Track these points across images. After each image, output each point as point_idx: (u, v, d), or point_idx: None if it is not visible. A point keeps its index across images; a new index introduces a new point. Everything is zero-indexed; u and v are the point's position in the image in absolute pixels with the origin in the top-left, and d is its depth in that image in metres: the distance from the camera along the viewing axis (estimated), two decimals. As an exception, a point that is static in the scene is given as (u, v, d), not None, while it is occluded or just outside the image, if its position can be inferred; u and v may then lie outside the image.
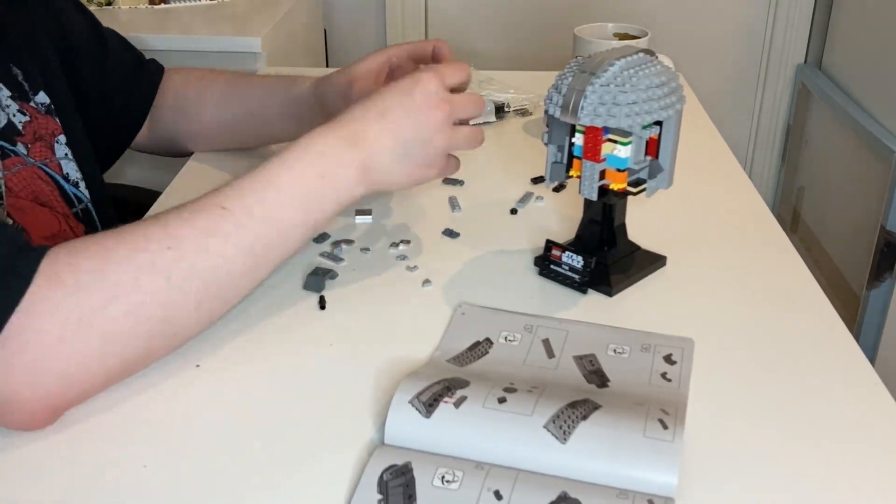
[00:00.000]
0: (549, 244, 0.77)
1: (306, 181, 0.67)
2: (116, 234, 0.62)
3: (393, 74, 0.89)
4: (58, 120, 0.87)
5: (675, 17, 2.24)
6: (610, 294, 0.75)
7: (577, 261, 0.75)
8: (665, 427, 0.55)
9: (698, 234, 0.86)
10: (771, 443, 0.59)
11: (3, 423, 0.58)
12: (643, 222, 0.84)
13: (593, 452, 0.54)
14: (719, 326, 0.72)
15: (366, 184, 0.70)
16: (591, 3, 2.16)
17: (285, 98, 0.95)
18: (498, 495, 0.52)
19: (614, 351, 0.67)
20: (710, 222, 0.89)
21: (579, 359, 0.66)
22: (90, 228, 0.89)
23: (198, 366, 0.66)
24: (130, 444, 0.59)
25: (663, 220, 0.87)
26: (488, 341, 0.68)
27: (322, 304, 0.74)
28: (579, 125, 0.70)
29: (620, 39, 1.12)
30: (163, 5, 1.81)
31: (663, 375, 0.64)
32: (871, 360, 0.68)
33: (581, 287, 0.76)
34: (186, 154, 1.05)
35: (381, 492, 0.53)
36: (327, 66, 2.23)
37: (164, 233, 0.62)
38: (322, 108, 0.91)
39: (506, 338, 0.68)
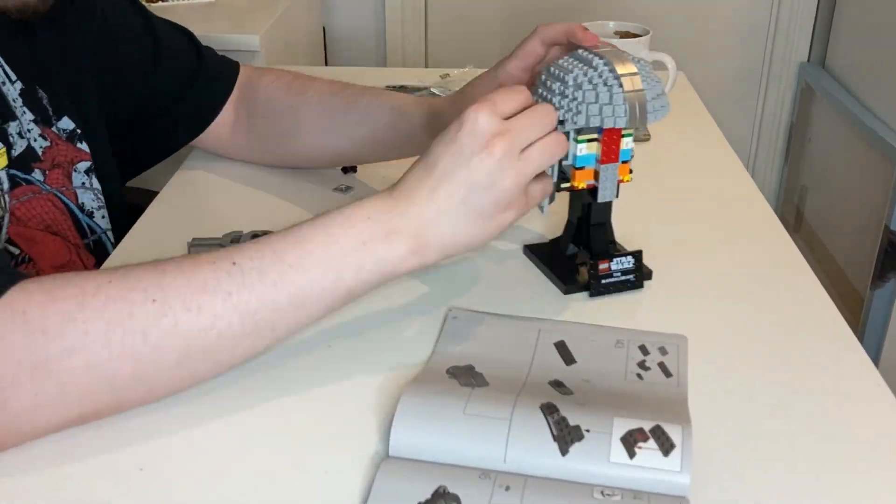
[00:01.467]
0: (593, 264, 0.74)
1: (344, 245, 0.59)
2: (104, 275, 0.56)
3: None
4: (82, 145, 0.84)
5: (678, 15, 2.23)
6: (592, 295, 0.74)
7: (628, 261, 0.74)
8: (674, 426, 0.54)
9: (700, 234, 0.85)
10: (774, 443, 0.58)
11: None
12: (645, 221, 0.84)
13: (604, 455, 0.53)
14: (721, 326, 0.71)
15: (423, 255, 0.61)
16: (593, 2, 2.15)
17: (393, 131, 0.86)
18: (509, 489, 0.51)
19: (615, 347, 0.66)
20: (713, 222, 0.88)
21: (580, 358, 0.65)
22: (101, 261, 0.85)
23: None
24: (126, 446, 0.58)
25: (665, 219, 0.86)
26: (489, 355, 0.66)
27: None
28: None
29: (622, 38, 1.11)
30: (160, 3, 1.80)
31: (661, 372, 0.63)
32: (875, 361, 0.67)
33: (637, 284, 0.74)
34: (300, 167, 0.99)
35: None
36: (326, 65, 2.23)
37: (154, 282, 0.56)
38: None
39: (511, 344, 0.67)
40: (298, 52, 1.97)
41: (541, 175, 0.65)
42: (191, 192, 0.95)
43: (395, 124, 0.86)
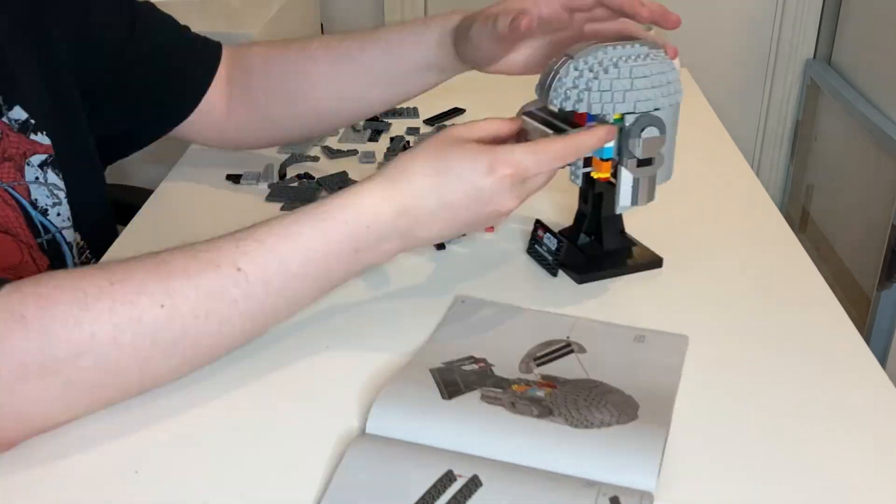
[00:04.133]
0: (538, 224, 0.78)
1: (340, 255, 0.62)
2: (104, 275, 0.56)
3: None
4: (37, 137, 0.78)
5: (681, 11, 2.19)
6: (578, 281, 0.75)
7: (553, 242, 0.76)
8: (647, 426, 0.54)
9: (705, 233, 0.84)
10: (777, 443, 0.58)
11: None
12: (649, 220, 0.82)
13: (573, 451, 0.53)
14: (726, 326, 0.70)
15: (405, 249, 0.65)
16: (596, -2, 2.13)
17: (418, 49, 0.84)
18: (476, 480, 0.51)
19: (616, 342, 0.66)
20: (718, 221, 0.87)
21: (577, 351, 0.65)
22: (55, 261, 0.80)
23: None
24: (122, 449, 0.57)
25: (669, 218, 0.85)
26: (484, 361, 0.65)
27: None
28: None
29: (623, 31, 1.09)
30: (157, -1, 1.79)
31: (657, 369, 0.63)
32: (882, 362, 0.66)
33: (552, 269, 0.76)
34: (278, 143, 0.98)
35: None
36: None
37: (161, 287, 0.56)
38: (465, 52, 0.80)
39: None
40: (296, 48, 1.95)
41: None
42: (187, 193, 0.93)
43: (413, 51, 0.84)
